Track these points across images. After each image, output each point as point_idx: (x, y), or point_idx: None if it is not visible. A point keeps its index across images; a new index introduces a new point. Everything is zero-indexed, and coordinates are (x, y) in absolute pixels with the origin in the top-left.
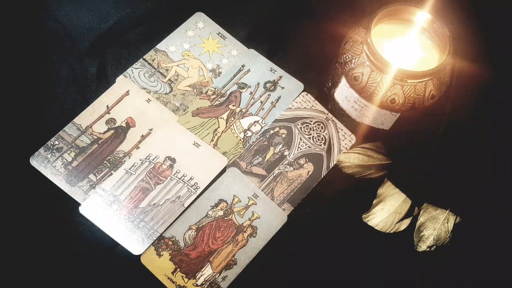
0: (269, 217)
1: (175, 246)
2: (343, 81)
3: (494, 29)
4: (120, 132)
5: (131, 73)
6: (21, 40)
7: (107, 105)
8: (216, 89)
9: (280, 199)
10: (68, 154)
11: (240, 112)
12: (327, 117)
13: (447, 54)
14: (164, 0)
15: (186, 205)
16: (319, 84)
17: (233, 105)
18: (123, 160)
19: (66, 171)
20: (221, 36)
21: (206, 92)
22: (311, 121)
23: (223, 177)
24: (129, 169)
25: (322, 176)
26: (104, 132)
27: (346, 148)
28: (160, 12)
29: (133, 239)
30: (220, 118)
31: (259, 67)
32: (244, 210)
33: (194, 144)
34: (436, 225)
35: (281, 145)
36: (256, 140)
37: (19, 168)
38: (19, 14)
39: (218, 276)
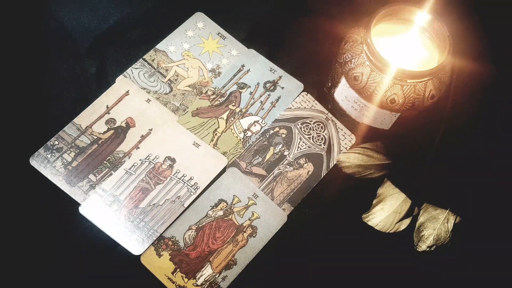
0: (269, 217)
1: (175, 246)
2: (343, 81)
3: (494, 28)
4: (120, 132)
5: (131, 73)
6: (21, 40)
7: (107, 105)
8: (216, 89)
9: (280, 199)
10: (68, 154)
11: (240, 112)
12: (327, 117)
13: (447, 54)
14: (164, 0)
15: (186, 205)
16: (319, 84)
17: (233, 105)
18: (123, 160)
19: (66, 171)
20: (221, 36)
21: (206, 92)
22: (311, 121)
23: (223, 177)
24: (129, 169)
25: (322, 176)
26: (104, 132)
27: (346, 148)
28: (160, 12)
29: (133, 239)
30: (220, 118)
31: (259, 67)
32: (244, 210)
33: (194, 144)
34: (436, 225)
35: (281, 145)
36: (256, 140)
37: (19, 168)
38: (19, 14)
39: (218, 276)
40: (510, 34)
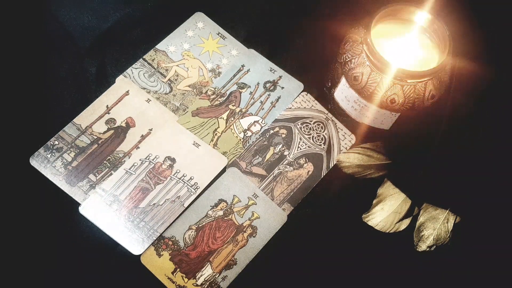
0: (269, 217)
1: (175, 246)
2: (343, 81)
3: (494, 28)
4: (120, 132)
5: (131, 73)
6: (21, 40)
7: (107, 105)
8: (216, 89)
9: (280, 199)
10: (68, 154)
11: (240, 112)
12: (327, 117)
13: (447, 54)
14: (164, 0)
15: (186, 205)
16: (319, 84)
17: (233, 105)
18: (123, 160)
19: (66, 171)
20: (221, 36)
21: (206, 92)
22: (311, 121)
23: (223, 177)
24: (129, 169)
25: (322, 176)
26: (104, 132)
27: (346, 148)
28: (160, 12)
29: (133, 239)
30: (220, 118)
31: (259, 67)
32: (244, 210)
33: (194, 144)
34: (436, 225)
35: (281, 145)
36: (256, 140)
37: (19, 168)
38: (19, 14)
39: (218, 276)
40: (510, 34)
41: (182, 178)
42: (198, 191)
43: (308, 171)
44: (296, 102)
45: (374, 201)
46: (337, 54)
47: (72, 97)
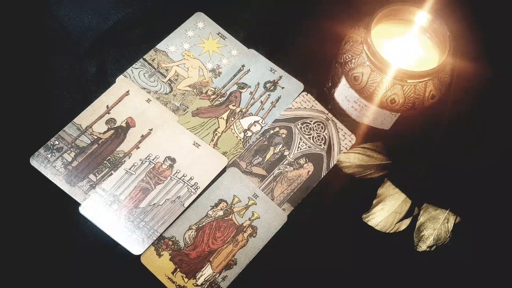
0: (269, 217)
1: (175, 246)
2: (343, 81)
3: (494, 28)
4: (120, 132)
5: (131, 73)
6: (22, 40)
7: (107, 105)
8: (216, 89)
9: (280, 199)
10: (68, 154)
11: (240, 112)
12: (327, 117)
13: (447, 54)
14: (164, 0)
15: (186, 205)
16: (319, 84)
17: (233, 105)
18: (123, 160)
19: (66, 171)
20: (221, 36)
21: (206, 92)
22: (311, 121)
23: (223, 177)
24: (129, 169)
25: (322, 176)
26: (104, 132)
27: (346, 148)
28: (160, 12)
29: (133, 239)
30: (220, 118)
31: (259, 67)
32: (244, 210)
33: (194, 144)
34: (436, 225)
35: (281, 145)
36: (256, 140)
37: (19, 168)
38: (19, 14)
39: (218, 276)
40: (510, 34)
41: (182, 178)
42: (198, 191)
43: (308, 171)
44: (296, 102)
45: (374, 201)
46: (337, 54)
47: (72, 97)
